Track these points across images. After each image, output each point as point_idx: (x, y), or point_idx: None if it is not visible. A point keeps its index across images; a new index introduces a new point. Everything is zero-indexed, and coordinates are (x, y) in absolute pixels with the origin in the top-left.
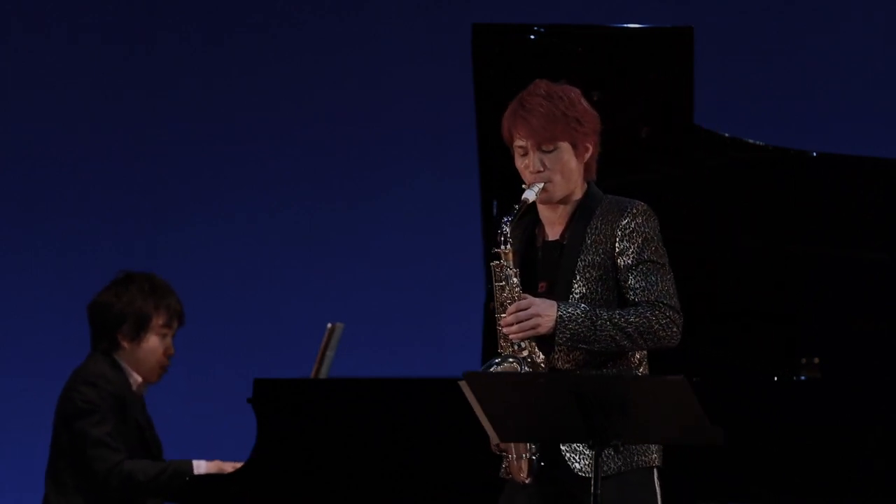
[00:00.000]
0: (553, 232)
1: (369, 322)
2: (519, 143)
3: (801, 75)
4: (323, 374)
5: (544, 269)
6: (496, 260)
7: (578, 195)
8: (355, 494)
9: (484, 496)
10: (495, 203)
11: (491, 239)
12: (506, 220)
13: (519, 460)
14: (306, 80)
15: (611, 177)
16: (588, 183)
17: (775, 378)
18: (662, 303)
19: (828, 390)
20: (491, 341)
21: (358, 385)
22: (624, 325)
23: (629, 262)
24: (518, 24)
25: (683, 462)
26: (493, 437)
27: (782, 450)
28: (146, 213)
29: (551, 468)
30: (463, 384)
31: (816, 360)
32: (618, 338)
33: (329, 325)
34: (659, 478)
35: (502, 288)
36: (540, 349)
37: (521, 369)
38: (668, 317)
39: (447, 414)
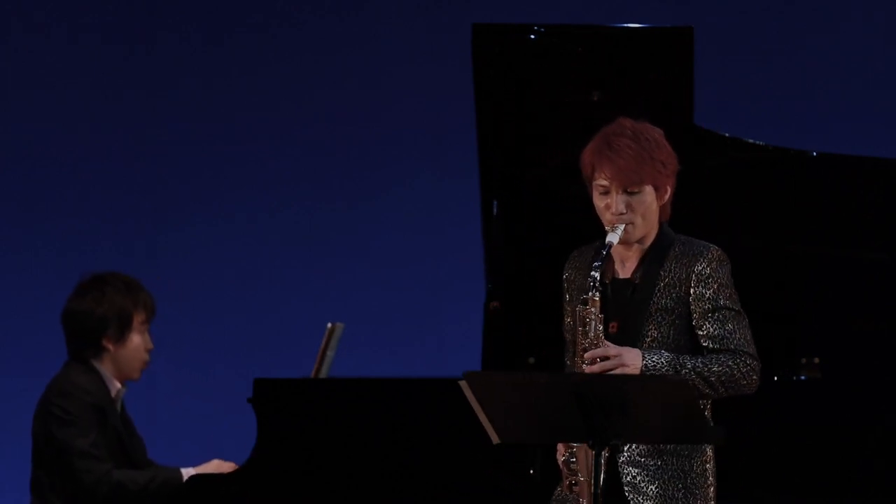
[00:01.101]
0: (624, 270)
1: (369, 322)
2: (602, 182)
3: (801, 75)
4: (323, 374)
5: (615, 308)
6: (583, 305)
7: (653, 235)
8: (355, 494)
9: (484, 496)
10: (495, 203)
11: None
12: (595, 265)
13: (585, 483)
14: (306, 80)
15: None
16: (660, 223)
17: (775, 378)
18: (743, 351)
19: (828, 390)
20: (491, 341)
21: (358, 385)
22: (707, 374)
23: (706, 307)
24: (518, 24)
25: None
26: (494, 437)
27: (782, 450)
28: (146, 213)
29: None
30: (463, 384)
31: (816, 360)
32: (700, 386)
33: (329, 325)
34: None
35: (585, 333)
36: None
37: None
38: (748, 365)
39: (447, 414)
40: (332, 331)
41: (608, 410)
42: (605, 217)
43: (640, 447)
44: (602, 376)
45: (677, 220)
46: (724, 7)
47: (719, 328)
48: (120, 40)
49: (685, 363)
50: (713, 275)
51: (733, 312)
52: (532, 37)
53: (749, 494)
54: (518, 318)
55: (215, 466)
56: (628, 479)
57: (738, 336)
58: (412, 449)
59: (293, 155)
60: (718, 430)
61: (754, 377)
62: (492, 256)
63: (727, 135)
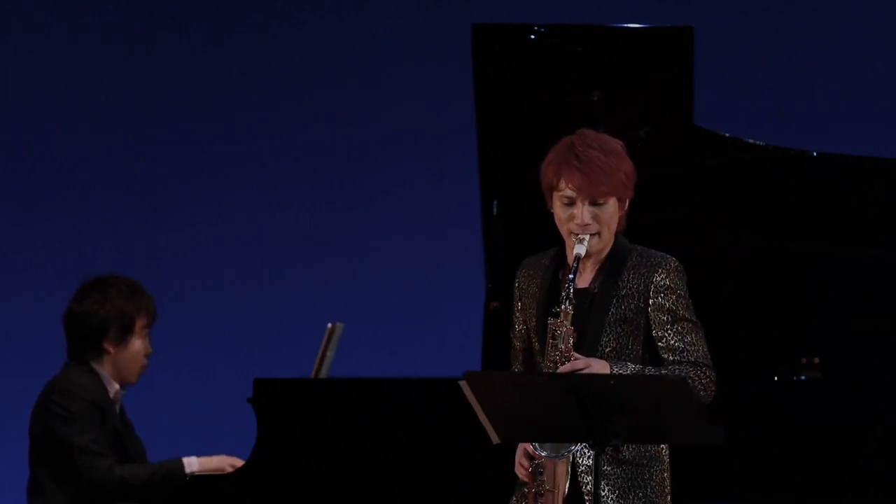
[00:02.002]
0: (582, 279)
1: (369, 322)
2: (567, 192)
3: (801, 75)
4: (323, 374)
5: (574, 318)
6: (554, 318)
7: (609, 245)
8: (355, 494)
9: (484, 496)
10: (495, 203)
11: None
12: (570, 278)
13: (557, 495)
14: (306, 80)
15: None
16: (616, 233)
17: (775, 378)
18: (702, 363)
19: (828, 390)
20: (491, 341)
21: (358, 385)
22: None
23: (664, 318)
24: (518, 24)
25: (683, 462)
26: (494, 437)
27: (782, 450)
28: (146, 213)
29: None
30: (463, 384)
31: (816, 360)
32: None
33: (329, 325)
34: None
35: (556, 346)
36: None
37: None
38: (707, 377)
39: (447, 414)
40: (332, 331)
41: (608, 410)
42: (567, 227)
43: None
44: (603, 377)
45: (678, 219)
46: (724, 7)
47: (679, 340)
48: (120, 40)
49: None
50: (671, 286)
51: (691, 324)
52: (532, 37)
53: (749, 494)
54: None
55: (219, 461)
56: (588, 487)
57: (697, 348)
58: (412, 449)
59: (293, 155)
60: (717, 431)
61: (712, 388)
62: (492, 256)
63: (727, 135)
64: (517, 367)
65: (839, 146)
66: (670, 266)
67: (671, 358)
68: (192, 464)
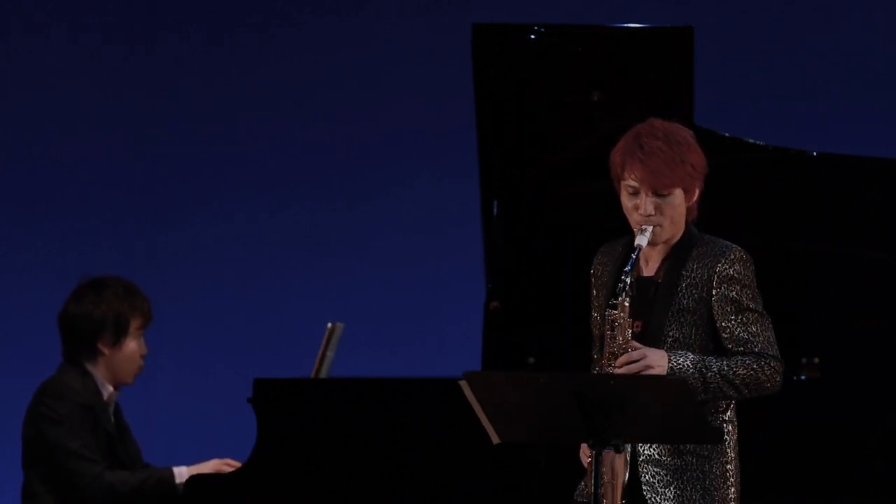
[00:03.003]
0: (647, 268)
1: (369, 322)
2: (631, 182)
3: (801, 75)
4: (323, 374)
5: (639, 307)
6: (612, 309)
7: (678, 235)
8: (355, 494)
9: (484, 496)
10: (495, 203)
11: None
12: (626, 269)
13: (616, 502)
14: (306, 80)
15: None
16: (687, 222)
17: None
18: (767, 354)
19: (828, 390)
20: (491, 341)
21: (358, 385)
22: (732, 377)
23: (729, 309)
24: (518, 24)
25: None
26: (494, 437)
27: (782, 450)
28: (146, 213)
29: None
30: (463, 384)
31: (816, 360)
32: (725, 388)
33: (329, 325)
34: None
35: (614, 338)
36: None
37: None
38: (772, 367)
39: (447, 414)
40: (332, 331)
41: (608, 410)
42: (633, 217)
43: (661, 446)
44: (603, 377)
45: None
46: (724, 7)
47: (743, 331)
48: (120, 40)
49: (710, 366)
50: (735, 276)
51: (756, 314)
52: (532, 37)
53: (748, 494)
54: (518, 318)
55: (213, 466)
56: (647, 477)
57: (762, 339)
58: (412, 449)
59: (293, 155)
60: (717, 431)
61: (778, 379)
62: (492, 256)
63: (727, 135)
64: (596, 355)
65: (839, 146)
66: (735, 256)
67: (735, 349)
68: (182, 474)
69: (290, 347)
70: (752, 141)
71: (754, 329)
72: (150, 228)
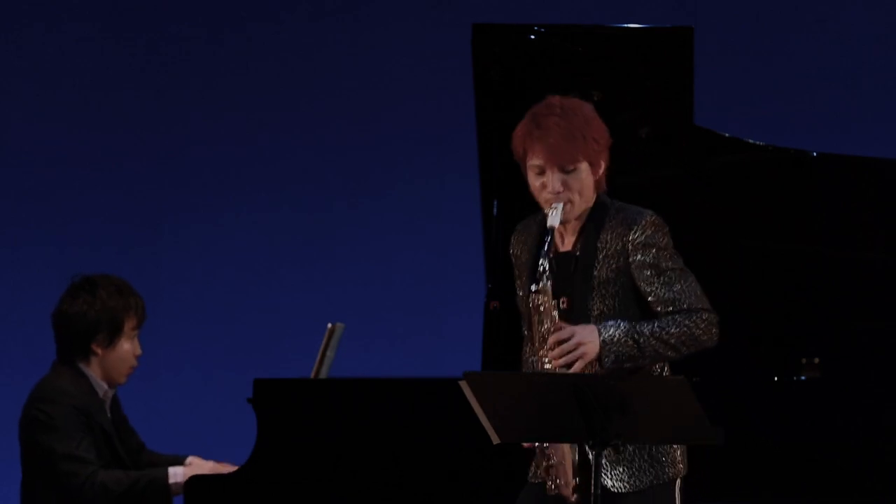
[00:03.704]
0: (565, 243)
1: (369, 322)
2: (535, 162)
3: (801, 75)
4: (323, 374)
5: (562, 283)
6: (536, 294)
7: (589, 207)
8: (355, 494)
9: (484, 496)
10: (495, 203)
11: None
12: (543, 252)
13: (568, 480)
14: (306, 80)
15: (611, 177)
16: (598, 194)
17: (775, 378)
18: (697, 307)
19: (828, 390)
20: (491, 341)
21: (358, 385)
22: (667, 337)
23: (648, 273)
24: (518, 24)
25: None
26: (494, 437)
27: (782, 450)
28: (146, 213)
29: (587, 484)
30: (463, 384)
31: (816, 361)
32: (661, 349)
33: (329, 325)
34: (681, 487)
35: (541, 322)
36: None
37: None
38: (705, 320)
39: (447, 414)
40: (332, 331)
41: (608, 410)
42: (542, 196)
43: None
44: (603, 377)
45: (677, 219)
46: (724, 7)
47: (667, 291)
48: (121, 40)
49: (643, 331)
50: (648, 241)
51: (678, 272)
52: (532, 37)
53: (749, 494)
54: (518, 318)
55: (210, 468)
56: (597, 461)
57: (688, 294)
58: (412, 449)
59: (293, 155)
60: (718, 431)
61: (714, 330)
62: (492, 256)
63: (727, 135)
64: (526, 332)
65: (839, 146)
66: (646, 222)
67: (663, 310)
68: (176, 474)
69: (290, 347)
70: (752, 141)
71: (678, 287)
72: (150, 228)
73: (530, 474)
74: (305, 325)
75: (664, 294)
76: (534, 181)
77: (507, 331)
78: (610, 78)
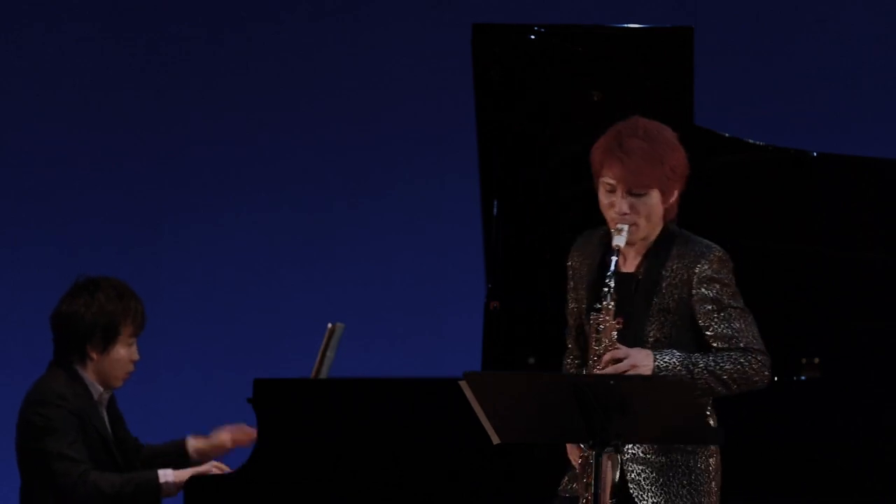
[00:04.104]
0: (626, 264)
1: (369, 322)
2: (608, 179)
3: (801, 75)
4: (323, 374)
5: (619, 303)
6: (596, 313)
7: (656, 232)
8: (355, 494)
9: (484, 496)
10: (495, 203)
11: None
12: (609, 273)
13: (605, 501)
14: (306, 80)
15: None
16: (666, 221)
17: (775, 378)
18: (753, 348)
19: (828, 390)
20: (491, 341)
21: (358, 385)
22: (720, 373)
23: (709, 308)
24: (518, 24)
25: None
26: (494, 437)
27: (782, 450)
28: (146, 213)
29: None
30: (463, 384)
31: (816, 361)
32: (713, 385)
33: (329, 325)
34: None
35: (599, 341)
36: None
37: None
38: (759, 361)
39: (447, 414)
40: (332, 331)
41: (608, 410)
42: (609, 215)
43: (648, 445)
44: (603, 377)
45: (677, 219)
46: (724, 7)
47: (727, 327)
48: (120, 40)
49: (697, 362)
50: (714, 276)
51: (738, 310)
52: (532, 37)
53: (749, 494)
54: (518, 318)
55: (202, 468)
56: (633, 476)
57: (746, 334)
58: (412, 449)
59: (293, 155)
60: (718, 431)
61: (766, 373)
62: (492, 256)
63: (727, 135)
64: (571, 344)
65: (839, 146)
66: (713, 256)
67: (721, 346)
68: (166, 475)
69: (290, 347)
70: (752, 141)
71: (737, 325)
72: (150, 228)
73: (561, 487)
74: (305, 325)
75: (722, 330)
76: (603, 197)
77: (507, 331)
78: (610, 78)
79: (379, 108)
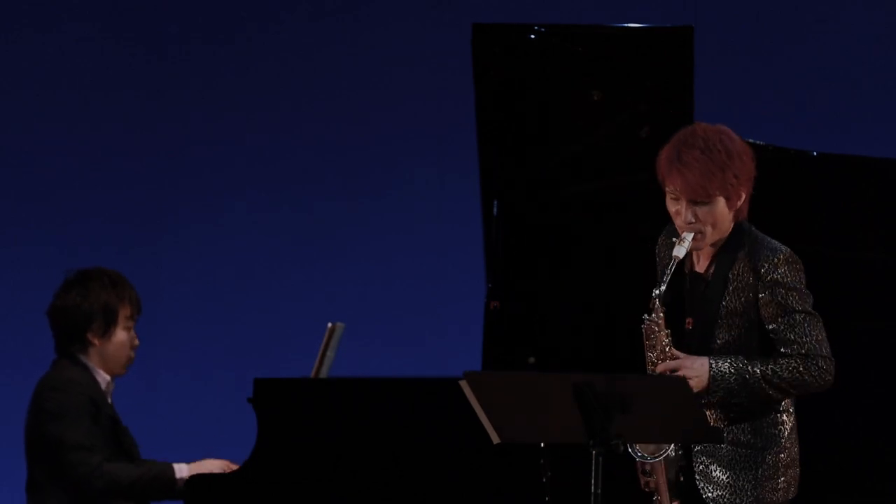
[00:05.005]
0: (699, 263)
1: (370, 321)
2: (671, 188)
3: (801, 75)
4: (323, 374)
5: (690, 304)
6: (649, 319)
7: (726, 234)
8: (355, 494)
9: (484, 496)
10: (495, 203)
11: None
12: (661, 281)
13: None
14: (306, 80)
15: (611, 176)
16: (737, 221)
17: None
18: (815, 354)
19: (828, 390)
20: (491, 341)
21: (358, 385)
22: (777, 381)
23: (775, 312)
24: (518, 24)
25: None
26: (494, 437)
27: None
28: (146, 213)
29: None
30: (463, 384)
31: None
32: (769, 392)
33: (329, 325)
34: None
35: (653, 347)
36: None
37: None
38: (819, 367)
39: (447, 414)
40: (332, 331)
41: (608, 410)
42: (676, 222)
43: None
44: (603, 377)
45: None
46: (724, 7)
47: (790, 332)
48: (120, 40)
49: (754, 371)
50: (780, 279)
51: (804, 315)
52: (532, 37)
53: None
54: (518, 318)
55: (215, 466)
56: (700, 467)
57: (809, 338)
58: (412, 449)
59: (294, 155)
60: (718, 431)
61: (827, 378)
62: (492, 256)
63: None
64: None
65: (839, 146)
66: (779, 258)
67: (784, 350)
68: (181, 470)
69: (290, 347)
70: (752, 141)
71: (800, 330)
72: (150, 228)
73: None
74: (305, 325)
75: (786, 335)
76: (670, 205)
77: (507, 331)
78: (610, 78)
79: (379, 108)
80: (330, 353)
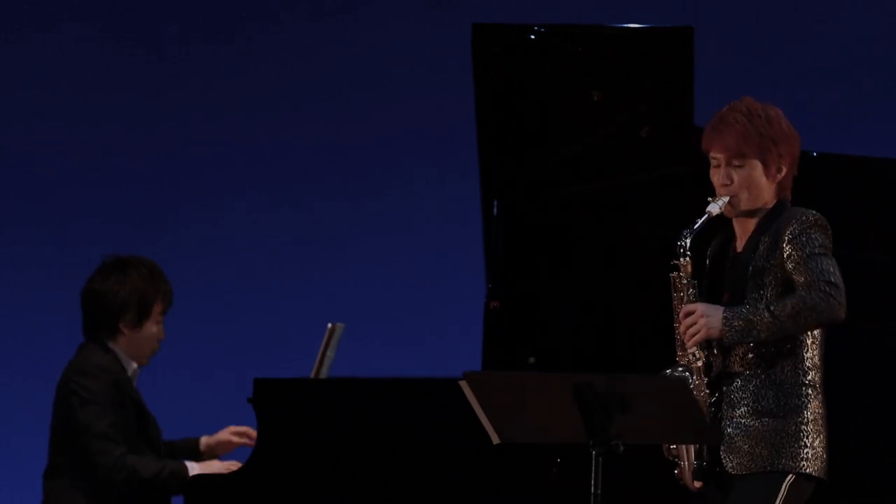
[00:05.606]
0: (741, 245)
1: (370, 321)
2: (713, 154)
3: (802, 75)
4: (323, 374)
5: (729, 281)
6: (675, 271)
7: (765, 210)
8: (355, 494)
9: (484, 496)
10: (495, 203)
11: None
12: (686, 232)
13: (686, 467)
14: (306, 80)
15: (611, 176)
16: (779, 199)
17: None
18: (819, 280)
19: (828, 390)
20: (491, 341)
21: (358, 385)
22: (780, 311)
23: (795, 263)
24: (518, 24)
25: None
26: (494, 437)
27: None
28: (146, 213)
29: (715, 466)
30: (463, 384)
31: None
32: (780, 321)
33: (329, 325)
34: (794, 483)
35: (680, 299)
36: (718, 353)
37: (692, 380)
38: (823, 291)
39: (447, 414)
40: (332, 331)
41: (608, 410)
42: (716, 188)
43: (745, 408)
44: (603, 377)
45: (678, 219)
46: (724, 7)
47: (805, 271)
48: (120, 40)
49: (759, 307)
50: (802, 234)
51: (818, 256)
52: (532, 37)
53: None
54: (518, 318)
55: (218, 467)
56: (727, 440)
57: (817, 270)
58: (412, 449)
59: (294, 155)
60: (717, 432)
61: (833, 301)
62: (492, 256)
63: None
64: None
65: (839, 146)
66: (806, 219)
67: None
68: (193, 468)
69: (290, 347)
70: None
71: (811, 265)
72: (150, 228)
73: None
74: (305, 325)
75: (799, 277)
76: (712, 175)
77: (507, 331)
78: (610, 78)
79: (379, 108)
80: (330, 354)
